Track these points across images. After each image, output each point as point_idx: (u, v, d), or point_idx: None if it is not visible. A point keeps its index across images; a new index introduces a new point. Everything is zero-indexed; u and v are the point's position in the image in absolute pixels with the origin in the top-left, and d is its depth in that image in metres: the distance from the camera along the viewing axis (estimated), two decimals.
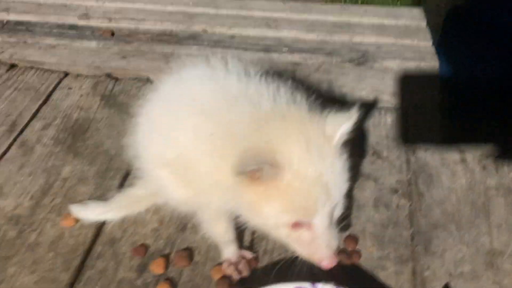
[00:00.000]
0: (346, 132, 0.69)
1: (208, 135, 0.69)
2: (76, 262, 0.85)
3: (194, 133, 0.71)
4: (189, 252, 0.85)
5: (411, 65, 1.24)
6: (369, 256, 0.85)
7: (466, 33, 1.12)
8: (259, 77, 0.74)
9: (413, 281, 0.82)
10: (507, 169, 0.99)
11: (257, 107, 0.69)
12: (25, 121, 1.12)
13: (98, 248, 0.87)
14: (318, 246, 0.68)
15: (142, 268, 0.84)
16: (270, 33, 1.37)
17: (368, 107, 1.14)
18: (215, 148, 0.68)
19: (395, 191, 0.96)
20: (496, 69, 1.10)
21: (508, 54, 1.07)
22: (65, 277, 0.82)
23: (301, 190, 0.65)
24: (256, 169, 0.62)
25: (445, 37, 1.19)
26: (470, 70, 1.13)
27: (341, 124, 0.68)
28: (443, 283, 0.81)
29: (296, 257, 0.72)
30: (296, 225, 0.67)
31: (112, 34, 1.39)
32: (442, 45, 1.21)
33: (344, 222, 0.83)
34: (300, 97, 0.72)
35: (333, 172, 0.67)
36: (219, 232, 0.82)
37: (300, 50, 1.30)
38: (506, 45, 1.06)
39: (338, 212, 0.71)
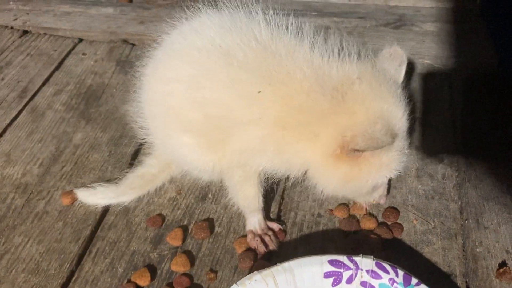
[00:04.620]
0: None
1: (254, 93, 0.61)
2: (86, 233, 0.77)
3: (233, 90, 0.63)
4: (209, 223, 0.77)
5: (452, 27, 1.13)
6: (412, 230, 0.75)
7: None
8: (289, 25, 0.66)
9: (463, 258, 0.72)
10: None
11: (312, 63, 0.62)
12: (37, 87, 1.04)
13: (110, 218, 0.79)
14: (384, 187, 0.74)
15: (158, 240, 0.76)
16: None
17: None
18: (270, 113, 0.61)
19: (441, 160, 0.85)
20: None
21: None
22: (74, 248, 0.75)
23: (398, 148, 0.65)
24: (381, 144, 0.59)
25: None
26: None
27: (397, 64, 0.65)
28: (498, 261, 0.71)
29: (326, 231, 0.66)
30: None
31: (130, 0, 1.32)
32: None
33: None
34: (347, 47, 0.64)
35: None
36: (248, 197, 0.73)
37: (331, 14, 1.20)
38: None
39: None
